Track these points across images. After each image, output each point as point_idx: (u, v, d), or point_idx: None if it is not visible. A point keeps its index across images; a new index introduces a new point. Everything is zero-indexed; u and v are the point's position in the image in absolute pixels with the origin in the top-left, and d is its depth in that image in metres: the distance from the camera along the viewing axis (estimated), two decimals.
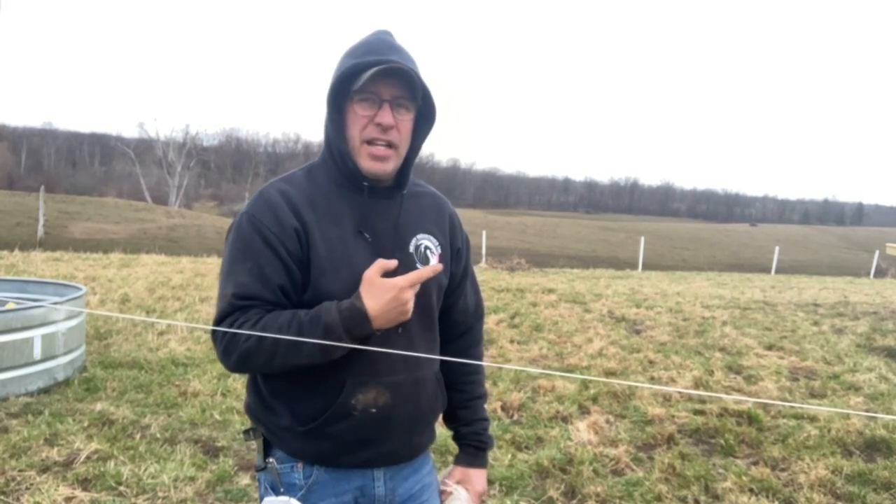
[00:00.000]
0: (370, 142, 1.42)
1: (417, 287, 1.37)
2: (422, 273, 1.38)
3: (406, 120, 1.44)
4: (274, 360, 1.35)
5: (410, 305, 1.36)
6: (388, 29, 1.50)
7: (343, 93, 1.43)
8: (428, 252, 1.53)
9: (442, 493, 1.62)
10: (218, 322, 1.40)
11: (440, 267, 1.44)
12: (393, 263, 1.36)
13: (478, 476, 1.65)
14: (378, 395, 1.42)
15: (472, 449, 1.66)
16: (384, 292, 1.32)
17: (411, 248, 1.50)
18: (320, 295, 1.39)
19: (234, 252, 1.42)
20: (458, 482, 1.64)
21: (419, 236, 1.53)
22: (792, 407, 5.17)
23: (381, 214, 1.48)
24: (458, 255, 1.63)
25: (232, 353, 1.37)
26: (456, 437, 1.69)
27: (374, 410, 1.42)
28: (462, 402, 1.66)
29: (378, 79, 1.38)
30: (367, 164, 1.43)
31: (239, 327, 1.35)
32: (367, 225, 1.45)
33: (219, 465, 3.62)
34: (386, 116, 1.40)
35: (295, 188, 1.45)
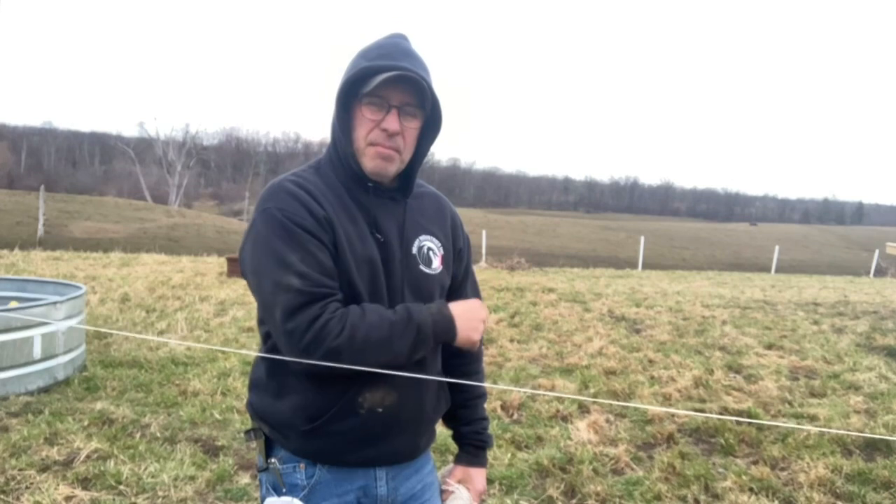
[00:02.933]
0: (374, 145, 1.42)
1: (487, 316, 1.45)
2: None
3: (412, 128, 1.44)
4: (365, 356, 1.32)
5: (483, 326, 1.46)
6: (402, 32, 1.49)
7: (352, 94, 1.42)
8: (430, 253, 1.53)
9: (443, 492, 1.63)
10: (290, 314, 1.31)
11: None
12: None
13: (478, 475, 1.66)
14: (386, 395, 1.42)
15: (473, 448, 1.67)
16: (465, 303, 1.46)
17: (414, 250, 1.50)
18: (345, 288, 1.38)
19: (279, 245, 1.35)
20: (459, 481, 1.64)
21: (422, 237, 1.53)
22: (793, 409, 5.16)
23: (387, 215, 1.48)
24: (459, 255, 1.63)
25: (317, 349, 1.30)
26: (456, 437, 1.69)
27: (380, 410, 1.42)
28: (462, 402, 1.66)
29: (388, 84, 1.38)
30: (370, 163, 1.43)
31: (326, 324, 1.29)
32: (375, 225, 1.46)
33: (219, 465, 3.62)
34: (392, 122, 1.40)
35: (309, 182, 1.44)
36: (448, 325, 1.39)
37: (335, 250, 1.39)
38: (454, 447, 1.70)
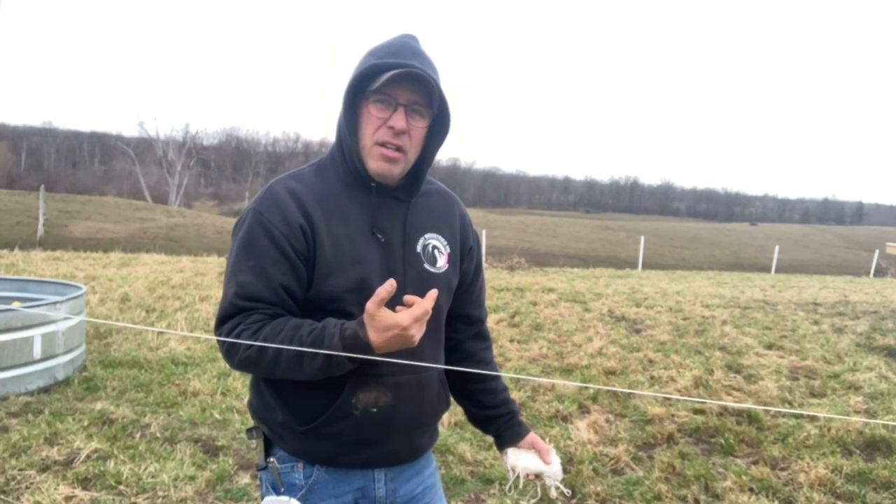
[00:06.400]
0: (381, 144, 1.41)
1: (425, 317, 1.29)
2: (425, 305, 1.28)
3: (419, 127, 1.43)
4: (274, 372, 1.36)
5: (417, 338, 1.29)
6: (412, 33, 1.49)
7: (360, 92, 1.41)
8: (436, 252, 1.52)
9: (535, 477, 1.61)
10: (220, 322, 1.40)
11: (435, 293, 1.32)
12: (390, 287, 1.26)
13: (536, 441, 1.65)
14: (379, 396, 1.41)
15: (513, 422, 1.66)
16: (386, 329, 1.26)
17: (419, 248, 1.49)
18: (326, 294, 1.39)
19: (239, 250, 1.41)
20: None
21: (427, 236, 1.51)
22: (793, 409, 5.16)
23: (389, 214, 1.47)
24: (469, 253, 1.62)
25: (233, 357, 1.38)
26: (486, 421, 1.67)
27: (374, 410, 1.41)
28: (480, 388, 1.66)
29: (396, 82, 1.37)
30: (374, 164, 1.42)
31: (238, 336, 1.34)
32: (376, 224, 1.44)
33: (219, 465, 3.62)
34: (399, 120, 1.39)
35: (303, 185, 1.44)
36: (362, 350, 1.28)
37: (311, 255, 1.39)
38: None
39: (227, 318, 1.39)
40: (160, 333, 6.67)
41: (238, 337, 1.35)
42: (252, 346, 1.33)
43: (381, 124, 1.40)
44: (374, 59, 1.40)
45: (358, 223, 1.43)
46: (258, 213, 1.41)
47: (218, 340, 1.40)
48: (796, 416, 4.87)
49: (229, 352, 1.38)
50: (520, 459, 1.61)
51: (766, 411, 5.01)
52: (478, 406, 1.67)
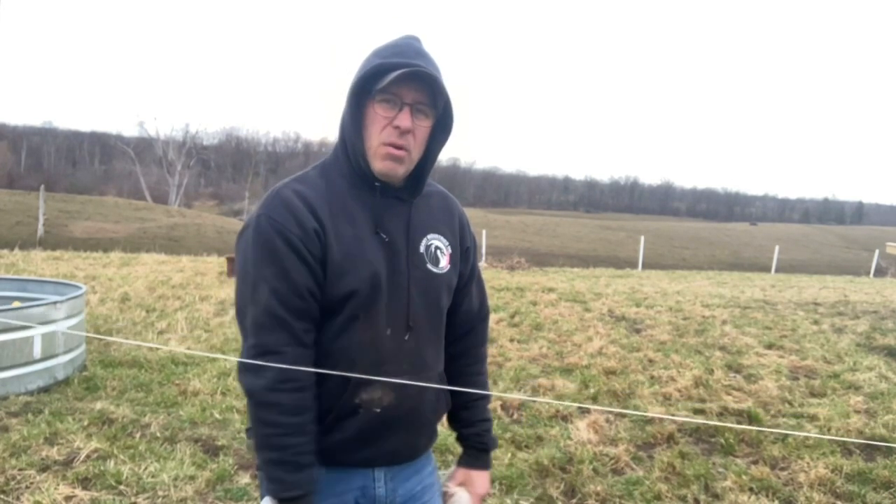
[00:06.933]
0: (387, 143, 1.41)
1: None
2: None
3: (423, 126, 1.44)
4: (252, 418, 1.41)
5: None
6: (415, 34, 1.49)
7: (365, 92, 1.42)
8: (438, 252, 1.53)
9: (444, 494, 1.62)
10: (256, 330, 1.38)
11: None
12: None
13: (480, 478, 1.65)
14: (384, 395, 1.42)
15: (474, 450, 1.66)
16: None
17: (422, 249, 1.50)
18: (337, 295, 1.40)
19: (258, 255, 1.39)
20: (460, 483, 1.63)
21: (429, 236, 1.52)
22: (793, 408, 5.15)
23: (393, 214, 1.48)
24: (466, 255, 1.63)
25: (244, 373, 1.38)
26: (458, 438, 1.68)
27: (378, 410, 1.42)
28: (464, 403, 1.65)
29: (402, 82, 1.38)
30: (380, 164, 1.43)
31: (265, 365, 1.35)
32: (380, 225, 1.45)
33: (219, 464, 3.62)
34: (405, 120, 1.40)
35: (310, 188, 1.44)
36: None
37: (324, 258, 1.39)
38: (455, 447, 1.70)
39: (262, 327, 1.37)
40: (160, 332, 6.68)
41: (265, 363, 1.35)
42: (263, 391, 1.36)
43: (386, 124, 1.41)
44: (379, 59, 1.40)
45: (363, 223, 1.44)
46: (271, 218, 1.39)
47: (251, 347, 1.39)
48: (796, 417, 4.87)
49: (247, 366, 1.36)
50: (451, 485, 1.63)
51: (766, 411, 5.01)
52: (454, 419, 1.68)
